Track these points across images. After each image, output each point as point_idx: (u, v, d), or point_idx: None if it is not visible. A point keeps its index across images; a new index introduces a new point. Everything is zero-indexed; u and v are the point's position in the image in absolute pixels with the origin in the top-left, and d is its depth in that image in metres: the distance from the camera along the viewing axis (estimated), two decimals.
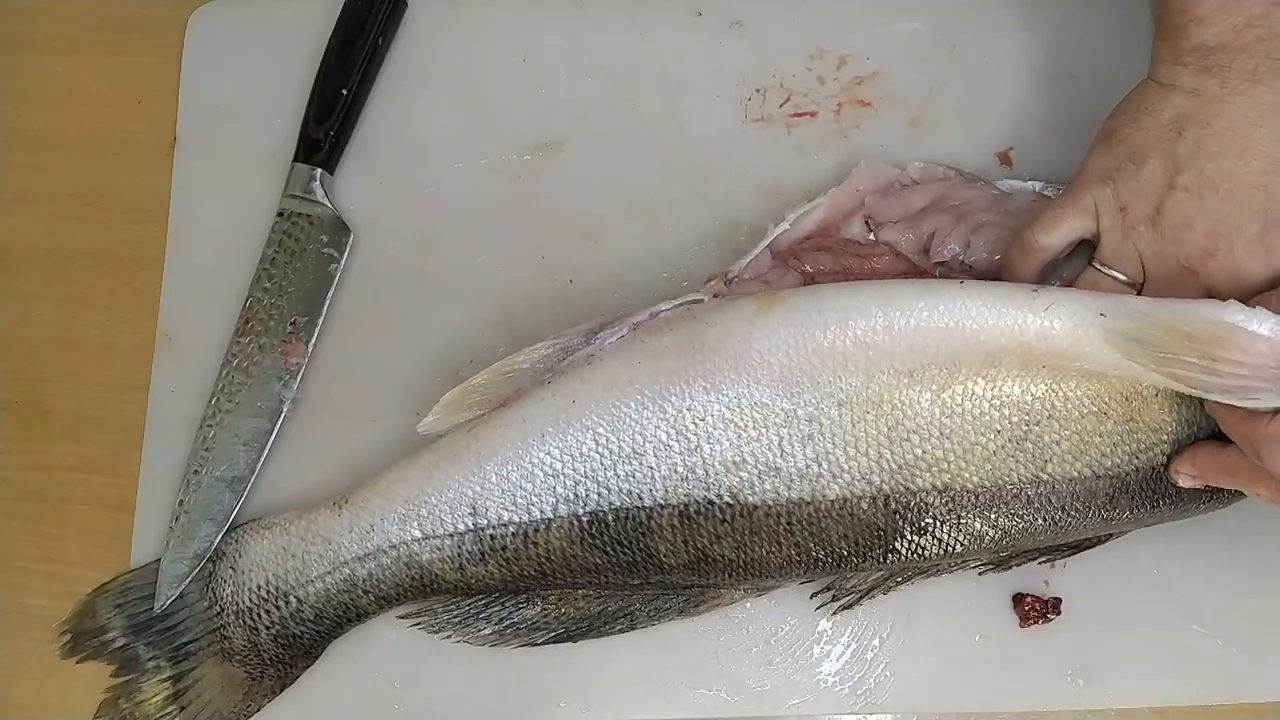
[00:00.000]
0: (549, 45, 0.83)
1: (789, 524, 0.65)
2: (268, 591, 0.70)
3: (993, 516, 0.64)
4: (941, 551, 0.65)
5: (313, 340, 0.77)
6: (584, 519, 0.66)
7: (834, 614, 0.71)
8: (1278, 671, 0.71)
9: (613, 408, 0.65)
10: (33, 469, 0.77)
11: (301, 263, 0.78)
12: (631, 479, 0.65)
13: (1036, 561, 0.70)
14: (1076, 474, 0.64)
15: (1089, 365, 0.61)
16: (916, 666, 0.72)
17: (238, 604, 0.70)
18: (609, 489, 0.65)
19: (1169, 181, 0.63)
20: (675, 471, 0.65)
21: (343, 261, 0.78)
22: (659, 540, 0.66)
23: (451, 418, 0.69)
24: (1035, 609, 0.72)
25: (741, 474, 0.64)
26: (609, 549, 0.66)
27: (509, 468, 0.66)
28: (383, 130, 0.82)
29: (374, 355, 0.78)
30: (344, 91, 0.79)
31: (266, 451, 0.75)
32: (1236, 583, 0.73)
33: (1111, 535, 0.70)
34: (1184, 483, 0.64)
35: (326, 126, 0.79)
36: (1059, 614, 0.72)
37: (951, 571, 0.70)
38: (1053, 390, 0.63)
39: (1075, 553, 0.70)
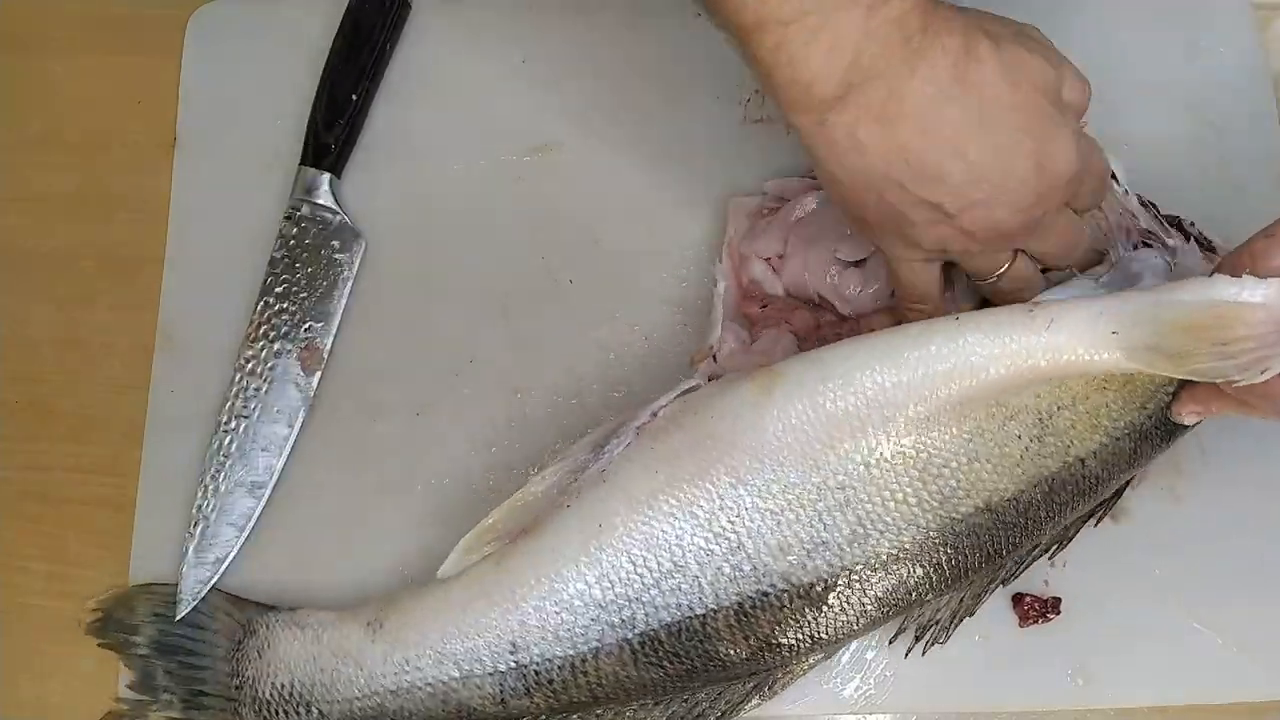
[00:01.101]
0: (549, 47, 0.84)
1: (848, 589, 0.64)
2: (290, 693, 0.68)
3: (1040, 510, 0.64)
4: (1006, 555, 0.65)
5: (328, 346, 0.77)
6: (634, 641, 0.64)
7: (924, 653, 0.70)
8: (1278, 670, 0.72)
9: (642, 525, 0.63)
10: (33, 469, 0.77)
11: (313, 268, 0.78)
12: (679, 592, 0.63)
13: (1093, 522, 0.70)
14: (1099, 444, 0.64)
15: (1102, 369, 0.61)
16: (916, 667, 0.72)
17: (257, 692, 0.68)
18: (656, 606, 0.63)
19: (943, 213, 0.60)
20: (722, 574, 0.63)
21: (355, 267, 0.78)
22: (718, 643, 0.64)
23: (471, 558, 0.66)
24: (1035, 609, 0.72)
25: (790, 557, 0.63)
26: (665, 663, 0.65)
27: (547, 603, 0.64)
28: (384, 132, 0.82)
29: (376, 356, 0.78)
30: (353, 96, 0.80)
31: (285, 457, 0.75)
32: (1236, 582, 0.73)
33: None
34: (1189, 421, 0.65)
35: (335, 131, 0.79)
36: (1058, 613, 0.72)
37: (1024, 569, 0.69)
38: (1057, 386, 0.63)
39: (1118, 498, 0.70)
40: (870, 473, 0.62)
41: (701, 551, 0.63)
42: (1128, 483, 0.70)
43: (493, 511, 0.65)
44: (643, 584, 0.63)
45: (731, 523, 0.63)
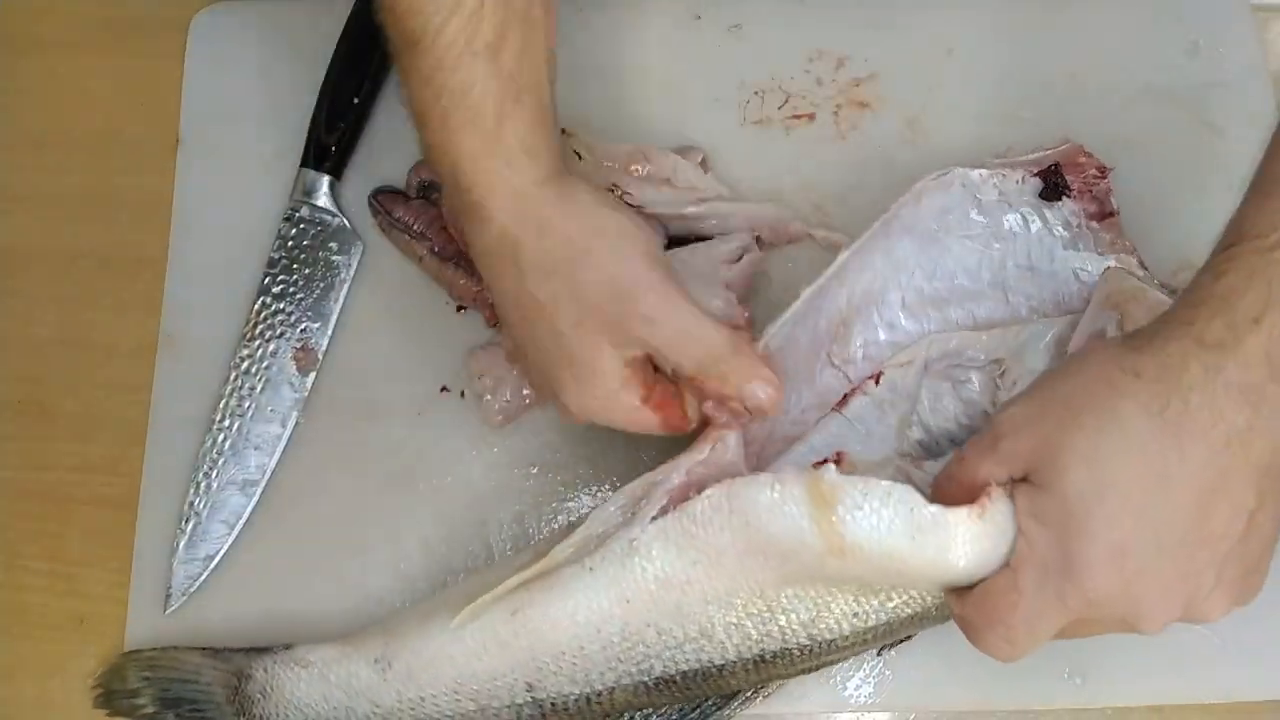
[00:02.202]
0: None
1: (868, 636, 0.64)
2: None
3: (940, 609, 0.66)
4: None
5: (324, 346, 0.77)
6: (650, 683, 0.64)
7: (893, 650, 0.71)
8: (1274, 670, 0.71)
9: (673, 605, 0.61)
10: (35, 468, 0.77)
11: (310, 269, 0.78)
12: (702, 652, 0.63)
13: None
14: None
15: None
16: (914, 665, 0.72)
17: None
18: (676, 661, 0.63)
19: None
20: (749, 638, 0.62)
21: (353, 269, 0.79)
22: (731, 680, 0.64)
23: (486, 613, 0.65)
24: None
25: (819, 625, 0.63)
26: (677, 694, 0.65)
27: (565, 658, 0.63)
28: (385, 135, 0.82)
29: (377, 357, 0.78)
30: (355, 100, 0.80)
31: (278, 456, 0.75)
32: None
33: None
34: None
35: (336, 134, 0.79)
36: None
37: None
38: None
39: None
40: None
41: (732, 626, 0.62)
42: None
43: (512, 577, 0.63)
44: (665, 646, 0.63)
45: (768, 606, 0.62)
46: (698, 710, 0.67)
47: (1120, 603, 0.53)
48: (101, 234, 0.81)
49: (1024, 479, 0.55)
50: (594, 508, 0.66)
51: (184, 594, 0.73)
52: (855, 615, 0.63)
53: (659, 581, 0.61)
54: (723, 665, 0.64)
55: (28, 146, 0.83)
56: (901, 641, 0.69)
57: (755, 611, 0.62)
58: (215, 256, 0.80)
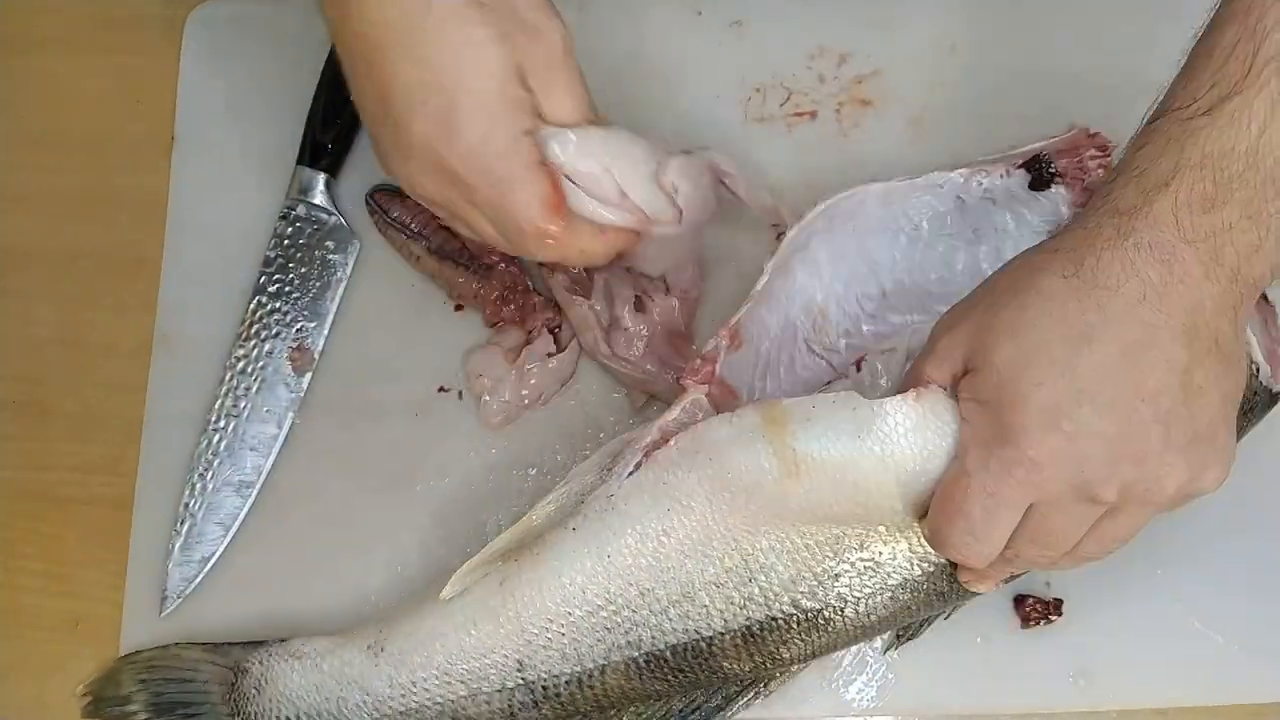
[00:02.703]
0: None
1: (855, 613, 0.64)
2: None
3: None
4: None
5: (320, 346, 0.77)
6: (640, 660, 0.64)
7: (900, 646, 0.70)
8: (1279, 671, 0.71)
9: (651, 558, 0.62)
10: (33, 468, 0.77)
11: (307, 268, 0.78)
12: (687, 618, 0.63)
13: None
14: None
15: None
16: (918, 668, 0.71)
17: None
18: (663, 630, 0.63)
19: None
20: (732, 602, 0.63)
21: (350, 268, 0.78)
22: (723, 659, 0.64)
23: (474, 579, 0.66)
24: (1037, 610, 0.72)
25: (801, 587, 0.63)
26: (670, 677, 0.65)
27: (553, 627, 0.63)
28: None
29: (374, 357, 0.78)
30: (351, 98, 0.79)
31: (274, 457, 0.75)
32: (1237, 583, 0.72)
33: None
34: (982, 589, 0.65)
35: (332, 131, 0.79)
36: (1060, 615, 0.72)
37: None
38: None
39: None
40: (884, 532, 0.63)
41: (712, 585, 0.63)
42: None
43: (498, 538, 0.64)
44: (650, 610, 0.63)
45: (745, 560, 0.62)
46: (697, 712, 0.67)
47: (1067, 465, 0.54)
48: (99, 234, 0.81)
49: (965, 374, 0.58)
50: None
51: (179, 596, 0.73)
52: (836, 576, 0.63)
53: (637, 535, 0.63)
54: (711, 637, 0.63)
55: (25, 146, 0.83)
56: (904, 640, 0.69)
57: (732, 566, 0.63)
58: (211, 255, 0.79)
